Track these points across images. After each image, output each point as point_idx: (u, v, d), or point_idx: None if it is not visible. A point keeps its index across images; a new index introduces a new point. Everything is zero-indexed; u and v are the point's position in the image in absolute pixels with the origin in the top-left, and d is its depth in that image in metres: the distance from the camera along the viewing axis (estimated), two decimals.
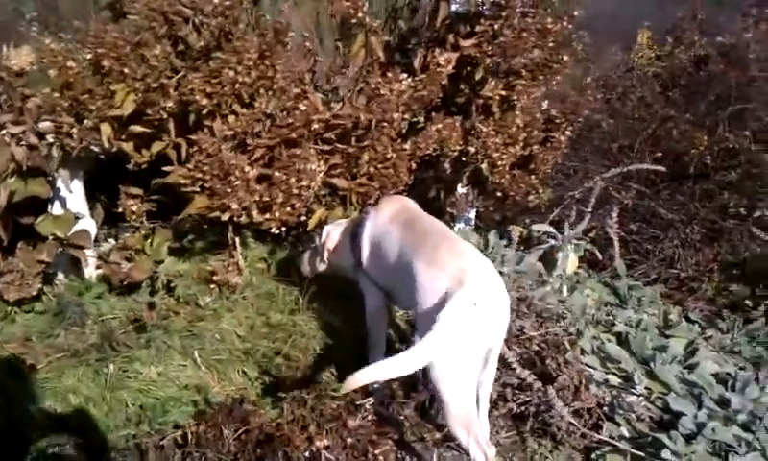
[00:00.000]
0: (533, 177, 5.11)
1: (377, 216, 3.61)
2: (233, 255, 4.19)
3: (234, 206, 3.76)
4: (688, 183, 5.39)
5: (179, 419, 3.35)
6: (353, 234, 3.76)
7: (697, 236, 4.98)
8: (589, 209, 4.85)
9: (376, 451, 3.16)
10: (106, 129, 3.97)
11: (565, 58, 4.71)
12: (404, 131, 4.43)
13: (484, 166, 4.88)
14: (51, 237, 3.92)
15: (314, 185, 4.00)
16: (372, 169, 4.24)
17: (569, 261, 4.82)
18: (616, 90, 5.85)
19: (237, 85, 3.88)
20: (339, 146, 4.15)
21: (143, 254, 4.12)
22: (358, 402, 3.47)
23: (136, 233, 4.17)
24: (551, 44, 4.65)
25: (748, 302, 4.53)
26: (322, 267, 4.06)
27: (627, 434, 3.32)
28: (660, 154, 5.47)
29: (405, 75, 4.20)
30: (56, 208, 4.11)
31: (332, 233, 3.94)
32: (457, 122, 4.61)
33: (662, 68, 6.57)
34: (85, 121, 3.88)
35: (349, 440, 3.16)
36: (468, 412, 2.86)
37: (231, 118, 4.00)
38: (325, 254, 3.97)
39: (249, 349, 3.87)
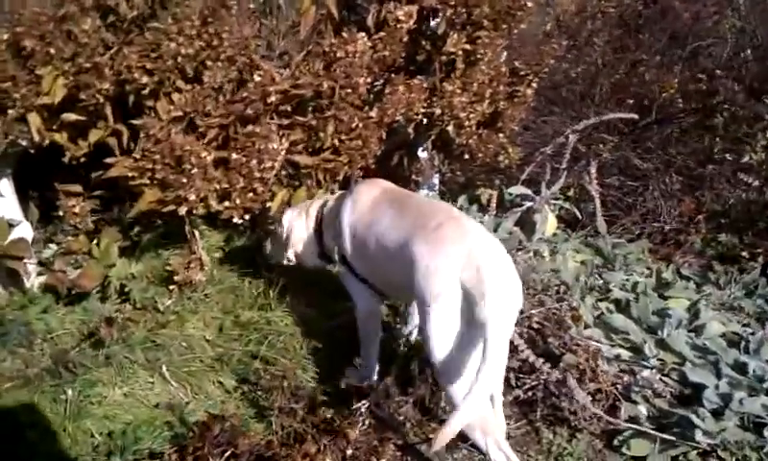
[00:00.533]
0: (501, 135, 4.81)
1: (357, 203, 3.27)
2: (194, 250, 3.78)
3: (192, 198, 3.35)
4: (662, 130, 5.16)
5: (154, 445, 2.95)
6: (318, 228, 3.53)
7: (677, 186, 4.75)
8: (564, 166, 4.56)
9: None
10: (34, 119, 3.49)
11: (529, 3, 4.40)
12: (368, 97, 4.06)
13: (450, 128, 4.55)
14: None
15: (277, 166, 3.61)
16: (337, 142, 3.85)
17: (548, 223, 4.54)
18: (580, 36, 5.55)
19: (180, 58, 3.44)
20: (299, 119, 3.74)
21: (91, 259, 3.66)
22: (353, 407, 3.13)
23: (80, 236, 3.70)
24: None
25: (744, 253, 4.32)
26: (288, 258, 3.71)
27: (646, 413, 3.06)
28: (630, 100, 5.23)
29: (362, 34, 3.82)
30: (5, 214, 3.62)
31: (295, 225, 3.62)
32: (422, 82, 4.25)
33: (613, 8, 6.30)
34: (10, 112, 3.39)
35: (350, 451, 2.82)
36: (482, 411, 2.57)
37: (176, 96, 3.57)
38: (290, 250, 3.66)
39: (221, 355, 3.49)
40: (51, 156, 3.69)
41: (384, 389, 3.21)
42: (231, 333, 3.63)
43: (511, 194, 4.69)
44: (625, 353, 3.33)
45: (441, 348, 2.60)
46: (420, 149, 4.98)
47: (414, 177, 5.07)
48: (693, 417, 2.85)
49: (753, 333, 3.44)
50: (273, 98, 3.55)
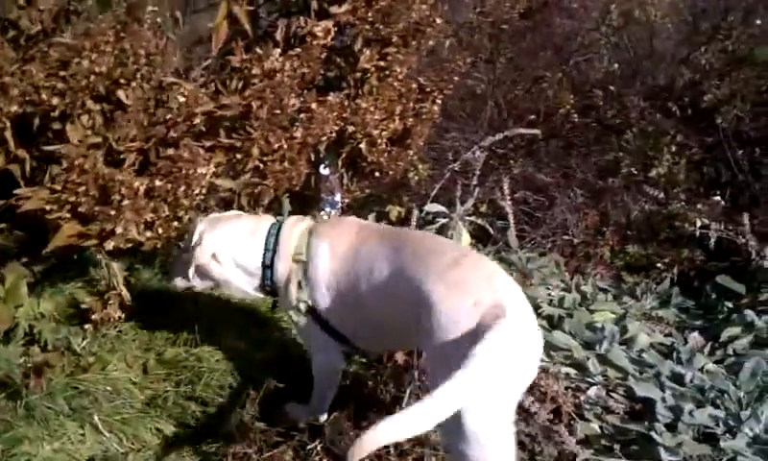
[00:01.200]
0: (410, 152, 4.78)
1: (336, 248, 2.95)
2: (112, 285, 3.47)
3: (119, 231, 3.08)
4: (562, 144, 5.31)
5: None
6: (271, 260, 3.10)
7: (580, 199, 4.89)
8: (475, 182, 4.59)
9: None
10: None
11: (438, 20, 4.41)
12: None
13: (363, 145, 4.47)
14: None
15: (203, 191, 3.39)
16: (261, 165, 3.67)
17: (462, 239, 4.54)
18: (482, 53, 5.61)
19: (92, 77, 3.18)
20: (222, 141, 3.53)
21: None
22: (309, 447, 2.97)
23: None
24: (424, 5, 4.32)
25: (658, 264, 4.48)
26: (202, 284, 3.32)
27: (600, 431, 3.08)
28: (532, 116, 5.34)
29: (277, 50, 3.67)
30: None
31: (219, 249, 3.16)
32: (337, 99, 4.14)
33: (489, 23, 6.42)
34: None
35: None
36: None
37: (84, 118, 3.29)
38: (213, 273, 3.20)
39: (152, 398, 3.23)
40: None
41: (337, 425, 3.08)
42: (158, 373, 3.37)
43: (426, 211, 4.66)
44: (570, 371, 3.35)
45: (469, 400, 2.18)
46: (322, 166, 4.87)
47: (323, 195, 4.96)
48: (653, 433, 2.90)
49: (682, 343, 3.57)
50: (197, 120, 3.34)
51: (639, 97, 5.39)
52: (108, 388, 3.23)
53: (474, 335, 2.20)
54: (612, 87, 5.54)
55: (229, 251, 3.17)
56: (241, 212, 3.41)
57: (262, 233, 3.15)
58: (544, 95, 5.56)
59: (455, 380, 2.07)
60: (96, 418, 3.02)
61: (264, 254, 3.10)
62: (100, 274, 3.88)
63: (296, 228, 3.12)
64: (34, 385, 3.00)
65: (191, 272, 3.21)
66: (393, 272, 2.70)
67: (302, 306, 2.96)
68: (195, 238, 3.19)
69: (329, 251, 2.95)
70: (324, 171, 4.91)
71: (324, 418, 3.11)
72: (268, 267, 3.09)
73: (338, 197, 5.16)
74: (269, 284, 3.11)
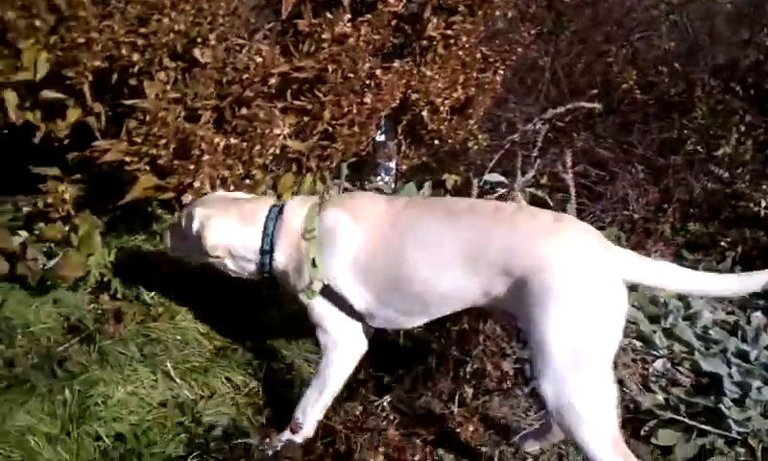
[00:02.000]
0: (470, 122, 4.80)
1: (361, 217, 2.75)
2: None
3: (196, 185, 3.16)
4: (624, 120, 5.29)
5: (170, 450, 2.76)
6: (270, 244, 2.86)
7: (640, 175, 4.87)
8: (536, 154, 4.58)
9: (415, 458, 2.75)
10: (11, 98, 3.20)
11: None
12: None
13: (425, 113, 4.50)
14: None
15: (275, 151, 3.46)
16: (330, 128, 3.72)
17: None
18: (544, 25, 5.60)
19: (171, 35, 3.24)
20: (295, 103, 3.58)
21: (70, 248, 3.38)
22: (376, 402, 3.03)
23: (57, 223, 3.42)
24: None
25: (721, 243, 4.45)
26: (198, 258, 3.08)
27: (665, 403, 3.10)
28: (594, 90, 5.32)
29: (347, 16, 3.70)
30: None
31: (215, 229, 2.90)
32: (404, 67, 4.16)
33: None
34: None
35: (382, 449, 2.71)
36: (614, 422, 2.33)
37: (162, 75, 3.35)
38: (215, 253, 2.95)
39: (220, 348, 3.31)
40: None
41: (404, 385, 3.14)
42: (228, 325, 3.44)
43: (485, 181, 4.67)
44: (636, 343, 3.38)
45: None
46: (380, 133, 4.91)
47: (380, 161, 5.00)
48: (721, 406, 2.92)
49: (745, 322, 3.56)
50: (273, 80, 3.39)
51: (707, 74, 5.35)
52: (178, 337, 3.31)
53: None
54: (677, 65, 5.50)
55: (226, 242, 2.93)
56: (238, 194, 3.17)
57: (260, 218, 2.91)
58: (607, 70, 5.53)
59: None
60: (168, 365, 3.10)
61: (263, 239, 2.88)
62: (161, 228, 3.98)
63: (301, 208, 2.87)
64: (112, 330, 3.09)
65: (183, 247, 3.08)
66: (462, 239, 2.56)
67: (317, 285, 2.74)
68: (195, 226, 2.92)
69: (354, 222, 2.75)
70: (380, 138, 4.95)
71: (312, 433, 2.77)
72: (267, 252, 2.87)
73: (393, 164, 5.20)
74: (267, 271, 2.91)
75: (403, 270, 2.66)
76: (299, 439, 2.70)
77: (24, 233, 3.53)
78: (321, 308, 2.80)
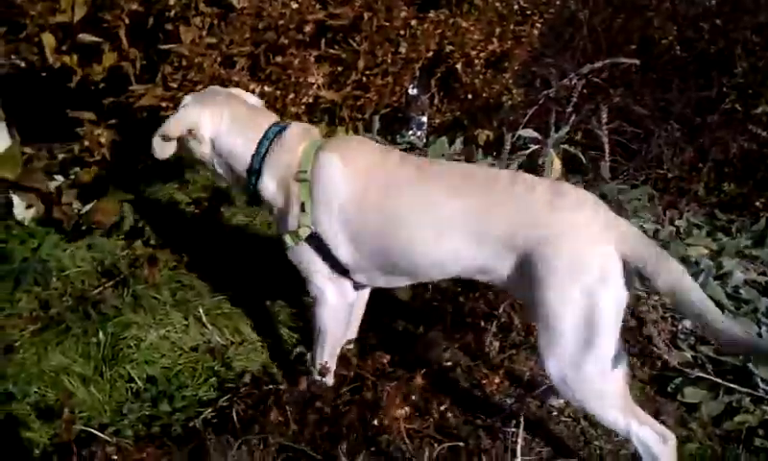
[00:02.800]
0: (505, 76, 4.74)
1: (357, 168, 2.57)
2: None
3: None
4: (659, 77, 5.20)
5: (201, 393, 2.81)
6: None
7: (677, 134, 4.80)
8: (571, 109, 4.53)
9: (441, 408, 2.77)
10: (49, 40, 3.22)
11: None
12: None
13: (459, 66, 4.45)
14: None
15: (309, 100, 3.44)
16: (364, 78, 3.69)
17: (554, 166, 4.51)
18: None
19: None
20: (330, 52, 3.56)
21: (105, 193, 3.42)
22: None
23: (92, 168, 3.45)
24: None
25: (756, 204, 4.40)
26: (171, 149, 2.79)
27: (693, 361, 3.09)
28: (633, 46, 5.23)
29: None
30: None
31: (201, 125, 2.68)
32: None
33: None
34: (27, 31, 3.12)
35: (414, 397, 2.73)
36: (622, 386, 2.33)
37: (197, 20, 3.34)
38: (202, 148, 2.73)
39: (252, 295, 3.33)
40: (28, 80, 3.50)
41: (429, 338, 3.16)
42: (258, 274, 3.47)
43: (518, 136, 4.63)
44: (665, 301, 3.34)
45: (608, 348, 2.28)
46: (412, 86, 4.86)
47: (412, 114, 4.97)
48: (749, 365, 2.90)
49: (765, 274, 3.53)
50: (308, 28, 3.37)
51: (749, 31, 5.23)
52: (210, 284, 3.34)
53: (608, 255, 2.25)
54: (718, 21, 5.39)
55: (215, 134, 2.71)
56: (247, 99, 2.88)
57: (257, 131, 2.69)
58: (646, 25, 5.42)
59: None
60: (200, 310, 3.14)
61: (253, 157, 2.67)
62: (193, 176, 4.01)
63: (301, 140, 2.66)
64: (146, 275, 3.13)
65: (157, 140, 2.73)
66: (460, 207, 2.44)
67: (304, 231, 2.59)
68: (187, 113, 2.71)
69: (348, 173, 2.57)
70: (413, 91, 4.91)
71: (331, 380, 2.75)
72: (254, 173, 2.67)
73: (425, 118, 5.16)
74: (251, 191, 2.72)
75: (395, 230, 2.53)
76: (329, 381, 2.73)
77: (60, 178, 3.58)
78: (306, 256, 2.65)
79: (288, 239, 2.64)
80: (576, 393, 2.32)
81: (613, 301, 2.24)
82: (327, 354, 2.76)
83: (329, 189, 2.57)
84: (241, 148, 2.68)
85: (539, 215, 2.33)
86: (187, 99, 2.77)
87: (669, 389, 2.99)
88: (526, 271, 2.33)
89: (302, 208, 2.59)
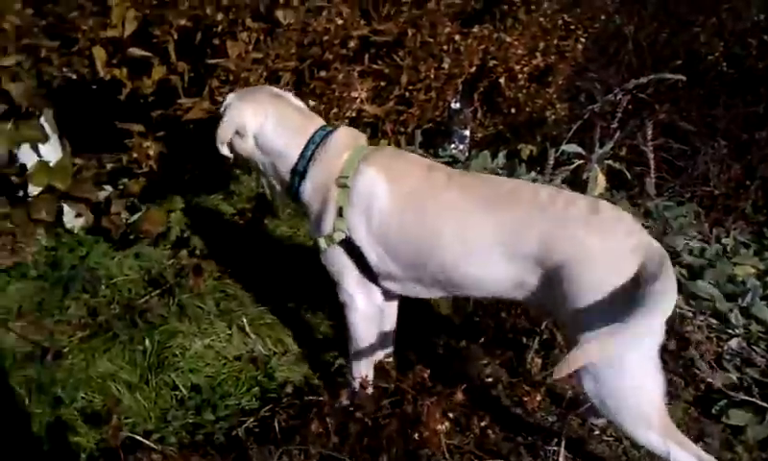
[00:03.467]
0: (549, 90, 4.73)
1: (396, 178, 2.57)
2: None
3: None
4: (705, 93, 5.15)
5: (243, 402, 2.85)
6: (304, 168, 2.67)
7: (723, 150, 4.74)
8: (616, 125, 4.49)
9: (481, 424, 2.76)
10: (100, 53, 3.31)
11: None
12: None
13: (502, 80, 4.45)
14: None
15: (352, 115, 3.48)
16: (407, 93, 3.72)
17: (598, 182, 4.48)
18: None
19: None
20: (373, 67, 3.59)
21: (152, 204, 3.48)
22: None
23: (140, 179, 3.52)
24: None
25: None
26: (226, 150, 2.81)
27: (739, 383, 3.04)
28: (678, 61, 5.19)
29: None
30: (44, 155, 3.39)
31: (250, 127, 2.71)
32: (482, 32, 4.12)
33: None
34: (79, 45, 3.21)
35: (451, 415, 2.73)
36: (661, 407, 2.28)
37: (244, 35, 3.40)
38: (245, 144, 2.74)
39: (296, 307, 3.37)
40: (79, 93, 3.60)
41: (469, 352, 3.16)
42: (301, 286, 3.50)
43: (562, 151, 4.61)
44: (711, 321, 3.31)
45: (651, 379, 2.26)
46: (455, 100, 4.88)
47: (455, 128, 4.99)
48: None
49: None
50: (353, 43, 3.41)
51: None
52: (253, 294, 3.39)
53: (635, 278, 2.19)
54: (765, 37, 5.32)
55: (258, 131, 2.72)
56: (291, 100, 2.84)
57: (305, 135, 2.70)
58: (692, 40, 5.37)
59: (649, 307, 2.07)
60: (243, 320, 3.18)
61: (299, 160, 2.68)
62: (238, 188, 4.07)
63: (346, 146, 2.67)
64: (191, 285, 3.18)
65: (220, 142, 2.75)
66: (495, 222, 2.42)
67: (338, 236, 2.61)
68: (232, 112, 2.72)
69: (390, 186, 2.57)
70: (456, 105, 4.92)
71: (370, 390, 2.71)
72: (299, 173, 2.67)
73: (468, 132, 5.17)
74: (293, 193, 2.72)
75: (433, 245, 2.52)
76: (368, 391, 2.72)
77: (109, 188, 3.67)
78: (338, 261, 2.66)
79: (322, 242, 2.65)
80: (613, 412, 2.29)
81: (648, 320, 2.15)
82: (364, 362, 2.78)
83: (369, 199, 2.57)
84: (287, 148, 2.69)
85: (573, 231, 2.30)
86: (230, 98, 2.77)
87: (714, 411, 2.94)
88: (559, 287, 2.31)
89: (339, 213, 2.60)
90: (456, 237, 2.48)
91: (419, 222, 2.54)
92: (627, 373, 2.23)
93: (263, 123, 2.70)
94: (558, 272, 2.31)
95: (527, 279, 2.40)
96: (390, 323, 2.95)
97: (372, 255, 2.62)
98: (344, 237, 2.61)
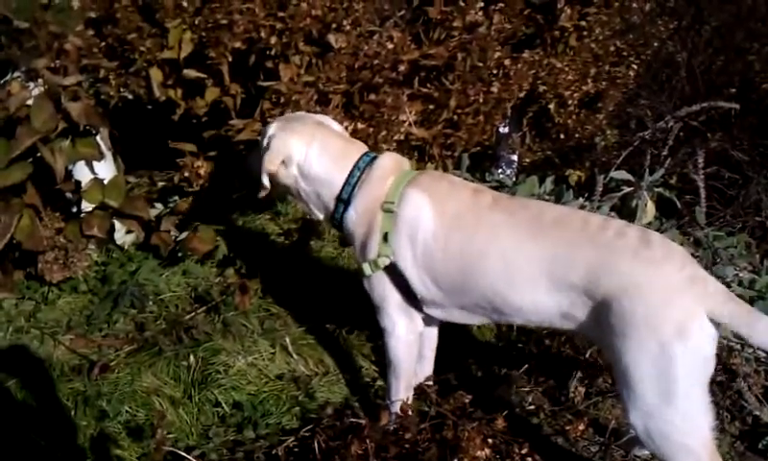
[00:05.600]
0: (599, 116, 4.69)
1: (442, 203, 2.57)
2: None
3: None
4: (763, 122, 5.06)
5: (284, 421, 2.87)
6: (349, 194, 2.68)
7: None
8: (666, 152, 4.45)
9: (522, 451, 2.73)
10: (156, 74, 3.40)
11: None
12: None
13: (552, 106, 4.43)
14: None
15: (401, 137, 3.50)
16: (455, 117, 3.73)
17: (647, 210, 4.43)
18: (686, 18, 5.42)
19: (308, 20, 3.32)
20: (422, 90, 3.61)
21: (201, 223, 3.54)
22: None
23: (191, 197, 3.58)
24: None
25: None
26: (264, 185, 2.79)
27: None
28: (732, 89, 5.12)
29: (480, 4, 3.68)
30: (98, 172, 3.47)
31: (295, 157, 2.70)
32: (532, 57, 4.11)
33: None
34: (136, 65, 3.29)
35: (491, 441, 2.70)
36: (709, 444, 2.24)
37: (296, 59, 3.45)
38: (289, 172, 2.73)
39: (338, 328, 3.39)
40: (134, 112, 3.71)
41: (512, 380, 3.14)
42: (343, 307, 3.52)
43: (610, 178, 4.56)
44: (759, 354, 3.24)
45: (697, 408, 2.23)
46: (503, 125, 4.86)
47: (502, 153, 4.98)
48: None
49: None
50: (402, 67, 3.43)
51: None
52: (296, 314, 3.42)
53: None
54: None
55: (303, 160, 2.71)
56: (333, 127, 2.87)
57: (349, 161, 2.70)
58: (746, 68, 5.28)
59: None
60: (286, 339, 3.21)
61: (343, 187, 2.68)
62: (285, 208, 4.11)
63: (392, 171, 2.68)
64: (237, 303, 3.22)
65: (265, 173, 2.74)
66: (543, 248, 2.39)
67: (383, 261, 2.61)
68: (265, 141, 2.74)
69: (435, 211, 2.57)
70: (504, 129, 4.91)
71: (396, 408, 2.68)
72: (343, 201, 2.69)
73: (515, 157, 5.14)
74: (337, 220, 2.74)
75: (477, 269, 2.51)
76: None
77: (159, 206, 3.74)
78: (381, 286, 2.67)
79: (366, 268, 2.66)
80: (659, 446, 2.26)
81: (692, 356, 2.17)
82: (403, 387, 2.79)
83: (415, 224, 2.57)
84: (331, 176, 2.69)
85: (622, 263, 2.27)
86: (273, 128, 2.75)
87: (761, 446, 2.89)
88: (606, 319, 2.28)
89: (384, 238, 2.61)
90: (501, 261, 2.46)
91: (464, 244, 2.53)
92: (677, 405, 2.20)
93: (308, 152, 2.69)
94: (605, 305, 2.28)
95: (573, 311, 2.38)
96: (430, 347, 2.98)
97: (417, 281, 2.62)
98: (388, 263, 2.61)
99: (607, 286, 2.27)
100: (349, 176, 2.67)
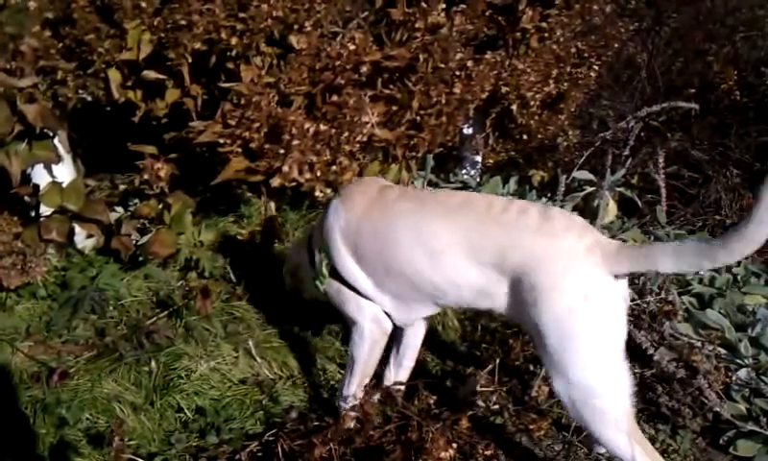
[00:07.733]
0: (561, 117, 4.74)
1: (349, 203, 2.74)
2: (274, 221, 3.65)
3: (286, 169, 3.22)
4: (720, 121, 5.13)
5: (247, 426, 2.84)
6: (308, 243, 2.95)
7: (736, 179, 4.72)
8: (628, 152, 4.50)
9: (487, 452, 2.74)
10: (115, 76, 3.35)
11: None
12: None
13: (514, 107, 4.46)
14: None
15: (363, 139, 3.49)
16: (418, 118, 3.73)
17: (609, 209, 4.47)
18: (646, 20, 5.48)
19: (270, 20, 3.30)
20: (384, 92, 3.61)
21: (162, 226, 3.49)
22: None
23: (152, 200, 3.53)
24: None
25: None
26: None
27: (747, 413, 3.01)
28: (692, 90, 5.19)
29: (441, 6, 3.69)
30: (57, 175, 3.40)
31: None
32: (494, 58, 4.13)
33: None
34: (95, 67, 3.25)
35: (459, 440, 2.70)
36: (628, 408, 2.30)
37: (257, 60, 3.43)
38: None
39: (302, 331, 3.36)
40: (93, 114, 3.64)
41: (475, 382, 3.14)
42: (307, 310, 3.50)
43: (573, 178, 4.60)
44: (720, 350, 3.28)
45: (604, 363, 2.28)
46: (466, 126, 4.89)
47: (466, 154, 5.00)
48: None
49: None
50: (364, 68, 3.43)
51: None
52: (260, 317, 3.39)
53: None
54: None
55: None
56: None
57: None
58: (706, 69, 5.37)
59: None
60: (250, 343, 3.18)
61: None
62: (249, 210, 4.08)
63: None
64: (199, 307, 3.18)
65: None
66: (453, 231, 2.48)
67: (326, 269, 2.79)
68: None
69: (345, 210, 2.73)
70: (468, 131, 4.93)
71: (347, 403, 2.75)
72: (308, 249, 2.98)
73: (479, 157, 5.17)
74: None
75: (394, 254, 2.63)
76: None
77: (120, 209, 3.68)
78: (336, 291, 2.81)
79: (318, 282, 2.82)
80: (582, 415, 2.31)
81: (600, 317, 2.25)
82: (356, 383, 2.81)
83: (333, 228, 2.73)
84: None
85: (525, 239, 2.35)
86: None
87: (722, 441, 2.92)
88: (519, 295, 2.36)
89: (320, 250, 2.81)
90: (414, 241, 2.56)
91: (376, 236, 2.67)
92: (592, 369, 2.27)
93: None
94: (516, 281, 2.36)
95: (492, 289, 2.45)
96: (410, 357, 3.02)
97: (352, 276, 2.74)
98: (330, 269, 2.77)
99: (514, 262, 2.35)
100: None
